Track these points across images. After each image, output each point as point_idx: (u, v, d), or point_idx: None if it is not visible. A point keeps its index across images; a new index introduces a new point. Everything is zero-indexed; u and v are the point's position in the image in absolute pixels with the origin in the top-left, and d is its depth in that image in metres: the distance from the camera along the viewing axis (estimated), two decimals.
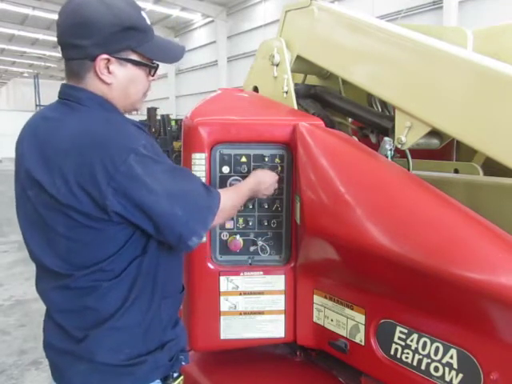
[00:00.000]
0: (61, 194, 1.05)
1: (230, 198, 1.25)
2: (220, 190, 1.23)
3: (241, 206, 1.35)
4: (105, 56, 1.10)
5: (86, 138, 1.05)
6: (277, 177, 1.42)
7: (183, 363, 1.26)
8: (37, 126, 1.15)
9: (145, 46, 1.16)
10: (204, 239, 1.42)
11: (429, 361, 1.13)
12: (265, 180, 1.38)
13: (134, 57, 1.15)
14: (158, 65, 1.22)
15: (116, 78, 1.14)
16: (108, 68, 1.12)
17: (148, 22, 1.19)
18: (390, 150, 1.39)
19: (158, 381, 1.20)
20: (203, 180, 1.43)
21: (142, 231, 1.12)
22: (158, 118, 19.12)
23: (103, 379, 1.15)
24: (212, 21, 21.10)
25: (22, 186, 1.14)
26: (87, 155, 1.03)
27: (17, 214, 1.19)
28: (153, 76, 1.24)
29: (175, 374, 1.25)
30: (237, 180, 1.45)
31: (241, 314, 1.48)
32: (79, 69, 1.12)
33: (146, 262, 1.15)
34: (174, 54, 1.25)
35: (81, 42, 1.08)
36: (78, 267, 1.11)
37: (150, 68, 1.21)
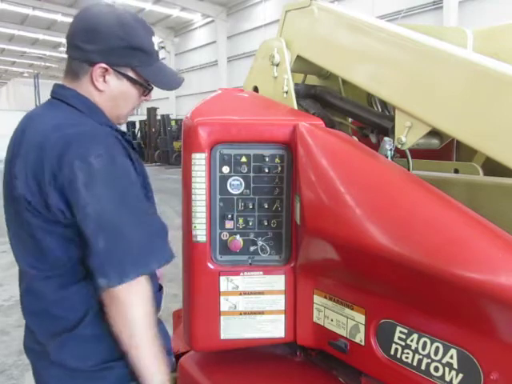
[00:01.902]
0: (27, 193, 1.06)
1: (146, 318, 1.07)
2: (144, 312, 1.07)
3: (141, 339, 1.08)
4: (103, 65, 1.13)
5: (50, 135, 1.06)
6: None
7: None
8: (25, 126, 1.16)
9: (146, 68, 1.19)
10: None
11: (429, 361, 1.13)
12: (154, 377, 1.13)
13: (132, 74, 1.18)
14: (152, 87, 1.25)
15: (109, 88, 1.17)
16: (104, 77, 1.15)
17: (156, 47, 1.22)
18: (390, 149, 1.39)
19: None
20: (203, 180, 1.43)
21: None
22: (158, 118, 19.17)
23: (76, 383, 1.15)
24: (212, 21, 21.12)
25: (10, 189, 1.14)
26: (45, 151, 1.04)
27: (5, 218, 1.19)
28: (145, 96, 1.26)
29: None
30: (237, 180, 1.45)
31: (241, 313, 1.48)
32: (77, 69, 1.16)
33: None
34: (171, 83, 1.28)
35: (85, 45, 1.12)
36: (44, 269, 1.11)
37: (145, 88, 1.23)
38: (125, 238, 1.03)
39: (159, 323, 1.29)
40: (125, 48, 1.13)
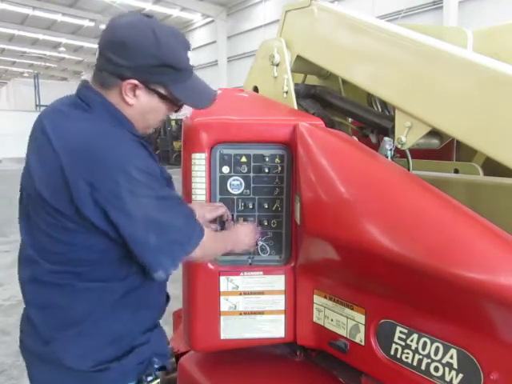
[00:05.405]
0: (45, 191, 1.07)
1: (215, 247, 1.29)
2: (210, 235, 1.24)
3: (219, 254, 1.38)
4: (134, 81, 1.11)
5: (85, 146, 1.06)
6: (251, 227, 1.44)
7: (156, 366, 1.26)
8: (47, 122, 1.15)
9: (177, 85, 1.17)
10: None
11: (429, 361, 1.13)
12: (244, 237, 1.40)
13: (163, 91, 1.16)
14: (182, 104, 1.23)
15: (139, 102, 1.15)
16: (134, 91, 1.13)
17: (190, 62, 1.20)
18: (390, 149, 1.39)
19: None
20: (203, 180, 1.44)
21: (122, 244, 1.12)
22: None
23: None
24: (212, 21, 21.08)
25: (26, 184, 1.17)
26: (78, 163, 1.05)
27: (18, 207, 1.21)
28: (176, 112, 1.26)
29: (149, 378, 1.24)
30: (237, 180, 1.45)
31: (241, 313, 1.48)
32: (107, 81, 1.14)
33: (131, 278, 1.17)
34: (201, 101, 1.25)
35: (117, 59, 1.09)
36: (53, 262, 1.13)
37: (175, 105, 1.22)
38: (171, 231, 1.12)
39: (157, 326, 1.30)
40: (157, 66, 1.11)
